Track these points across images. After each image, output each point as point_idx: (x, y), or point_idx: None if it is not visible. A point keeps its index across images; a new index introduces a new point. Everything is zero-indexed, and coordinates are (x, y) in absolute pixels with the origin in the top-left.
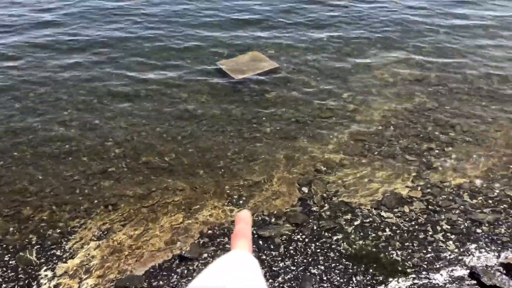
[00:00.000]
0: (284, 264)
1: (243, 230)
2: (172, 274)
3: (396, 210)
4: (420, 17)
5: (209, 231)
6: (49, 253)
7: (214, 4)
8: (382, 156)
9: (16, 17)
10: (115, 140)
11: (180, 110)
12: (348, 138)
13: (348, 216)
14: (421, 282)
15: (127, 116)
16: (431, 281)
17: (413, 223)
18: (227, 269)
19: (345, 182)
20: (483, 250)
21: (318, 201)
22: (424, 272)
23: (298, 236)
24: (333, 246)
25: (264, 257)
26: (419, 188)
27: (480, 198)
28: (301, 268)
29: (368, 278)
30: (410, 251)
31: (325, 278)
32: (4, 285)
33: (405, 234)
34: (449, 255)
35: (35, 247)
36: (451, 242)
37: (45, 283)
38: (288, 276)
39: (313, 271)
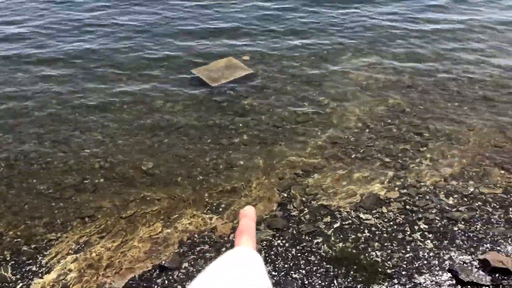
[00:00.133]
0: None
1: (247, 226)
2: (153, 285)
3: (374, 211)
4: (392, 22)
5: (189, 240)
6: (24, 269)
7: (188, 13)
8: (359, 158)
9: None
10: (90, 151)
11: (156, 119)
12: (325, 141)
13: (328, 219)
14: (401, 282)
15: (102, 127)
16: (411, 280)
17: (391, 223)
18: (230, 266)
19: (324, 185)
20: (460, 247)
21: (297, 205)
22: (404, 272)
23: (279, 241)
24: (313, 250)
25: None
26: (396, 188)
27: (456, 196)
28: (283, 273)
29: (349, 280)
30: (389, 251)
31: (306, 282)
32: None
33: (384, 235)
34: (428, 253)
35: (10, 263)
36: (429, 241)
37: None
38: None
39: (294, 275)
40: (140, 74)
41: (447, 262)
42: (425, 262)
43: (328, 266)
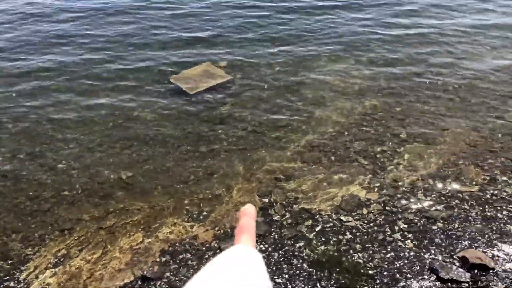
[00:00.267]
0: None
1: (247, 225)
2: None
3: (354, 213)
4: (366, 28)
5: (170, 249)
6: (1, 285)
7: (163, 22)
8: (338, 161)
9: None
10: (67, 164)
11: (133, 129)
12: (304, 146)
13: (309, 223)
14: (383, 282)
15: (78, 140)
16: (392, 280)
17: (371, 224)
18: (230, 265)
19: (304, 189)
20: (439, 246)
21: (278, 210)
22: (385, 272)
23: (261, 246)
24: (296, 254)
25: None
26: (375, 189)
27: (434, 195)
28: None
29: (332, 282)
30: (371, 252)
31: (290, 286)
32: None
33: (365, 236)
34: (408, 253)
35: None
36: (409, 241)
37: None
38: None
39: (278, 280)
40: (116, 85)
41: (427, 261)
42: (406, 261)
43: (311, 269)
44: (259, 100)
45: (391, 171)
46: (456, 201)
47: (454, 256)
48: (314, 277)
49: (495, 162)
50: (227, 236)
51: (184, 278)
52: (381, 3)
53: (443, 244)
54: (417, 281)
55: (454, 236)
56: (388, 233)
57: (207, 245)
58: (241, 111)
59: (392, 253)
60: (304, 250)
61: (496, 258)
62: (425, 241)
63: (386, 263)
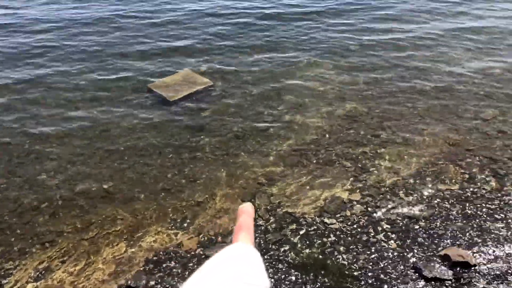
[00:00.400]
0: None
1: (245, 223)
2: None
3: (338, 215)
4: (344, 33)
5: (155, 257)
6: None
7: (140, 31)
8: (320, 163)
9: None
10: (47, 175)
11: (114, 138)
12: (286, 150)
13: (293, 227)
14: (368, 283)
15: (57, 152)
16: (377, 280)
17: (355, 226)
18: (228, 263)
19: (288, 193)
20: (422, 245)
21: (262, 214)
22: (370, 273)
23: None
24: (281, 258)
25: None
26: (358, 191)
27: (415, 195)
28: None
29: (318, 285)
30: (355, 253)
31: None
32: None
33: (349, 238)
34: (392, 253)
35: None
36: (392, 241)
37: None
38: None
39: None
40: (95, 96)
41: (411, 260)
42: (390, 261)
43: (296, 273)
44: (240, 106)
45: (372, 172)
46: (437, 200)
47: (437, 255)
48: (300, 280)
49: (473, 160)
50: (212, 243)
51: (169, 287)
52: (358, 8)
53: (426, 243)
54: (401, 281)
55: (436, 235)
56: (372, 234)
57: (191, 253)
58: (222, 117)
59: (376, 254)
60: (289, 254)
61: (478, 255)
62: (408, 241)
63: (371, 264)
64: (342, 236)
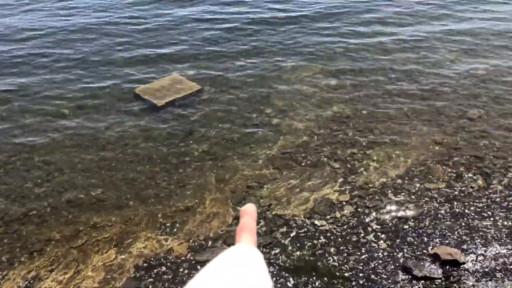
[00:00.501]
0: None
1: (248, 224)
2: None
3: (328, 216)
4: (330, 37)
5: (145, 264)
6: None
7: (126, 38)
8: (309, 166)
9: None
10: (34, 182)
11: (101, 145)
12: (275, 152)
13: (284, 229)
14: (359, 283)
15: (45, 160)
16: (368, 281)
17: (345, 227)
18: (230, 264)
19: (277, 196)
20: (411, 244)
21: None
22: (361, 274)
23: None
24: (272, 261)
25: None
26: (347, 192)
27: (404, 194)
28: None
29: (309, 287)
30: (345, 255)
31: None
32: None
33: (339, 239)
34: (382, 253)
35: None
36: (382, 241)
37: None
38: None
39: None
40: (81, 104)
41: (401, 260)
42: (380, 261)
43: (287, 275)
44: (228, 110)
45: (361, 173)
46: (426, 200)
47: (426, 254)
48: (291, 283)
49: (460, 159)
50: (202, 247)
51: None
52: (343, 11)
53: (415, 242)
54: (392, 281)
55: (425, 234)
56: (362, 234)
57: (182, 258)
58: (211, 121)
59: (367, 254)
60: (280, 257)
61: (466, 252)
62: (398, 241)
63: (361, 264)
64: (332, 237)
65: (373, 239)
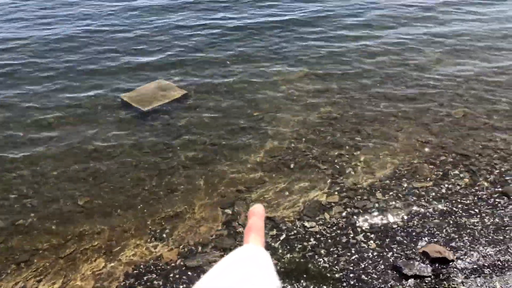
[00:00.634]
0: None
1: (256, 224)
2: None
3: (317, 218)
4: (317, 41)
5: (135, 271)
6: None
7: (111, 46)
8: (298, 168)
9: None
10: (19, 192)
11: (88, 153)
12: (264, 156)
13: (274, 232)
14: (350, 284)
15: (31, 169)
16: (358, 281)
17: (335, 228)
18: (238, 265)
19: (267, 198)
20: (401, 243)
21: (242, 221)
22: (351, 274)
23: None
24: None
25: None
26: (335, 193)
27: (392, 194)
28: None
29: None
30: (336, 256)
31: None
32: None
33: (329, 241)
34: (372, 253)
35: None
36: (372, 241)
37: None
38: None
39: None
40: (66, 114)
41: (391, 259)
42: (370, 262)
43: (278, 278)
44: (215, 115)
45: (349, 174)
46: (414, 199)
47: (416, 252)
48: (282, 286)
49: (447, 158)
50: (192, 253)
51: None
52: (328, 16)
53: (404, 241)
54: (382, 280)
55: (414, 233)
56: (351, 235)
57: (172, 264)
58: (198, 125)
59: (357, 255)
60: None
61: (455, 250)
62: (387, 240)
63: (352, 265)
64: (322, 239)
65: (362, 239)
